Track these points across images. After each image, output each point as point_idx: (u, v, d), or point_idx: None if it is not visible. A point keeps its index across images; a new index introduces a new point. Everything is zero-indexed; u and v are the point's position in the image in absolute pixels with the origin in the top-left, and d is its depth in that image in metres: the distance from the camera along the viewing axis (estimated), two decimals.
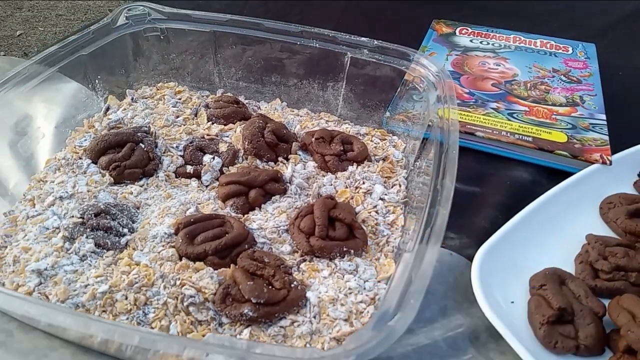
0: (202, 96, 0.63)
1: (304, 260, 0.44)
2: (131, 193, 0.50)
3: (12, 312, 0.41)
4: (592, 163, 0.55)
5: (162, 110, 0.59)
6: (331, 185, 0.51)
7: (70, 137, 0.56)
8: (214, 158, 0.52)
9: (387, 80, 0.59)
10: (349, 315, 0.40)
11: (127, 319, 0.39)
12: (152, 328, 0.38)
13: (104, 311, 0.39)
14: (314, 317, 0.40)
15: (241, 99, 0.63)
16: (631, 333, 0.37)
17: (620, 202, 0.51)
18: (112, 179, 0.50)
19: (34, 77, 0.52)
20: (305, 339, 0.39)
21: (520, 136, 0.58)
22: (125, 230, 0.45)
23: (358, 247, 0.45)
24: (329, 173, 0.53)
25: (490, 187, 0.55)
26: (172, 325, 0.39)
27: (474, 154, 0.59)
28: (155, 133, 0.55)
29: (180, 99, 0.62)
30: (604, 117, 0.61)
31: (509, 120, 0.60)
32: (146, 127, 0.55)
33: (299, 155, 0.55)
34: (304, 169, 0.53)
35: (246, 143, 0.53)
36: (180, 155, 0.53)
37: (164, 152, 0.53)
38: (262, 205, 0.49)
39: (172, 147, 0.54)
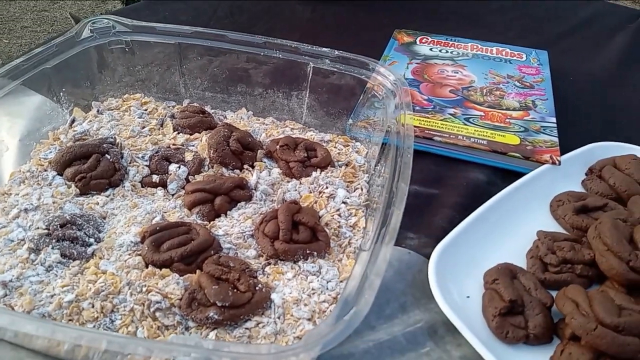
0: (168, 107, 0.64)
1: (269, 264, 0.46)
2: (97, 203, 0.50)
3: None
4: (543, 163, 0.58)
5: (128, 121, 0.60)
6: (295, 190, 0.53)
7: (35, 149, 0.56)
8: (179, 167, 0.53)
9: (349, 89, 0.61)
10: (312, 315, 0.41)
11: (94, 326, 0.40)
12: None
13: (70, 320, 0.40)
14: (279, 317, 0.41)
15: (207, 108, 0.64)
16: (574, 320, 0.39)
17: (568, 200, 0.54)
18: (78, 190, 0.51)
19: None
20: (270, 339, 0.40)
21: (476, 140, 0.61)
22: (92, 240, 0.46)
23: (321, 249, 0.46)
24: (293, 179, 0.54)
25: (447, 188, 0.57)
26: (139, 331, 0.40)
27: (433, 158, 0.61)
28: (121, 144, 0.56)
29: (146, 109, 0.63)
30: (554, 120, 0.65)
31: (465, 124, 0.63)
32: (112, 138, 0.56)
33: (264, 162, 0.56)
34: (269, 175, 0.54)
35: (212, 152, 0.54)
36: (146, 165, 0.54)
37: (129, 163, 0.54)
38: (228, 212, 0.50)
39: (138, 157, 0.55)
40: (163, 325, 0.40)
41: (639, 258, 0.43)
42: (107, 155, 0.53)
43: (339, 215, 0.50)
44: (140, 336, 0.39)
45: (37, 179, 0.52)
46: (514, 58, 0.79)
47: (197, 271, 0.43)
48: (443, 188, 0.57)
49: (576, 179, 0.58)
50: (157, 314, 0.40)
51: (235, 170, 0.55)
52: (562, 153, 0.59)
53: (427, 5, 0.98)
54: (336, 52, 0.60)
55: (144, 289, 0.41)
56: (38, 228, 0.46)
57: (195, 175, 0.54)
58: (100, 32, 0.62)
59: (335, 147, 0.60)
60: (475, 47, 0.81)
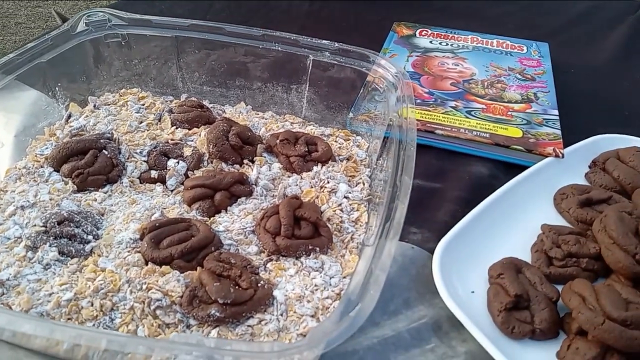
0: (166, 101, 0.64)
1: (271, 260, 0.45)
2: (95, 200, 0.49)
3: None
4: (546, 156, 0.57)
5: (125, 116, 0.59)
6: (296, 185, 0.52)
7: (31, 145, 0.55)
8: (178, 162, 0.52)
9: (349, 82, 0.60)
10: (316, 311, 0.41)
11: (94, 325, 0.39)
12: None
13: (69, 319, 0.39)
14: (281, 314, 0.40)
15: (205, 103, 0.63)
16: (581, 315, 0.39)
17: (572, 193, 0.53)
18: (75, 186, 0.50)
19: None
20: (273, 336, 0.39)
21: (478, 133, 0.60)
22: (90, 237, 0.45)
23: (323, 244, 0.46)
24: (294, 174, 0.54)
25: (450, 182, 0.57)
26: (140, 329, 0.39)
27: (435, 152, 0.60)
28: (119, 139, 0.55)
29: (143, 104, 0.62)
30: (556, 112, 0.64)
31: (467, 117, 0.62)
32: (109, 133, 0.55)
33: (264, 157, 0.55)
34: (270, 170, 0.54)
35: (211, 146, 0.53)
36: (144, 161, 0.53)
37: (127, 158, 0.53)
38: (228, 208, 0.49)
39: (136, 153, 0.54)
40: (164, 324, 0.39)
41: None
42: (104, 150, 0.52)
43: (341, 210, 0.50)
44: (141, 335, 0.39)
45: (33, 175, 0.51)
46: (515, 50, 0.78)
47: (198, 268, 0.43)
48: (445, 182, 0.57)
49: (580, 172, 0.57)
50: (158, 312, 0.40)
51: (235, 165, 0.54)
52: (565, 146, 0.59)
53: None
54: (336, 44, 0.59)
55: (144, 287, 0.41)
56: (35, 225, 0.45)
57: (195, 171, 0.53)
58: (95, 26, 0.61)
59: (335, 141, 0.59)
60: (475, 39, 0.80)
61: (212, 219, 0.48)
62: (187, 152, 0.54)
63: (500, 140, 0.59)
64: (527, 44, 0.80)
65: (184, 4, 0.92)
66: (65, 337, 0.32)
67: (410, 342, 0.42)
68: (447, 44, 0.79)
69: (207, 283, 0.40)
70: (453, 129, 0.61)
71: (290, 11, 0.92)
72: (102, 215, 0.48)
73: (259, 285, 0.41)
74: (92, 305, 0.40)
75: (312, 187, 0.52)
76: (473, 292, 0.45)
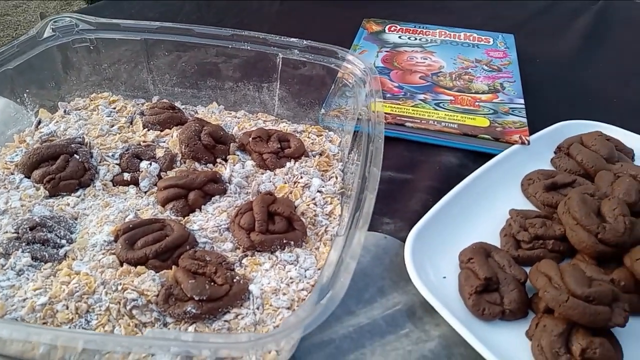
0: (137, 104, 0.63)
1: (246, 256, 0.46)
2: (68, 204, 0.49)
3: None
4: (513, 144, 0.59)
5: (96, 120, 0.59)
6: (270, 182, 0.53)
7: (1, 153, 0.55)
8: (151, 164, 0.52)
9: (320, 78, 0.61)
10: (292, 304, 0.41)
11: (70, 328, 0.39)
12: None
13: (44, 322, 0.39)
14: (257, 308, 0.41)
15: (177, 104, 0.63)
16: (547, 293, 0.40)
17: (538, 178, 0.55)
18: (47, 192, 0.50)
19: None
20: (250, 329, 0.40)
21: (447, 124, 0.61)
22: (64, 241, 0.45)
23: (298, 238, 0.46)
24: (267, 170, 0.54)
25: (421, 173, 0.58)
26: (117, 330, 0.39)
27: (405, 144, 0.62)
28: (90, 143, 0.55)
29: (114, 108, 0.62)
30: (522, 101, 0.66)
31: (436, 109, 0.64)
32: (80, 138, 0.54)
33: (237, 155, 0.56)
34: (243, 168, 0.54)
35: (183, 147, 0.54)
36: (117, 164, 0.53)
37: (99, 162, 0.53)
38: (203, 207, 0.50)
39: (108, 156, 0.54)
40: (140, 323, 0.40)
41: (607, 230, 0.44)
42: (75, 155, 0.52)
43: (315, 204, 0.51)
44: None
45: (3, 182, 0.50)
46: (482, 42, 0.80)
47: (173, 267, 0.43)
48: (416, 173, 0.58)
49: (545, 158, 0.59)
50: (134, 311, 0.40)
51: (208, 164, 0.54)
52: (531, 133, 0.60)
53: None
54: (305, 41, 0.60)
55: (120, 288, 0.41)
56: (7, 232, 0.45)
57: (168, 172, 0.53)
58: (62, 31, 0.61)
59: (308, 137, 0.60)
60: (443, 33, 0.82)
61: (186, 218, 0.49)
62: (160, 153, 0.54)
63: (468, 130, 0.61)
64: (493, 36, 0.82)
65: (154, 7, 0.92)
66: (42, 340, 0.32)
67: (386, 329, 0.43)
68: (416, 39, 0.80)
69: (183, 281, 0.41)
70: (422, 121, 0.62)
71: (260, 11, 0.93)
72: (76, 219, 0.48)
73: (235, 280, 0.42)
74: (67, 308, 0.40)
75: (285, 183, 0.53)
76: (445, 277, 0.46)
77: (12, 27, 2.16)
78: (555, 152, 0.60)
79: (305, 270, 0.44)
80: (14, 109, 0.58)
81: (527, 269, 0.45)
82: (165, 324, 0.40)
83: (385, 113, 0.62)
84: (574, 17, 0.93)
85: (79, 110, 0.61)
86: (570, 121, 0.62)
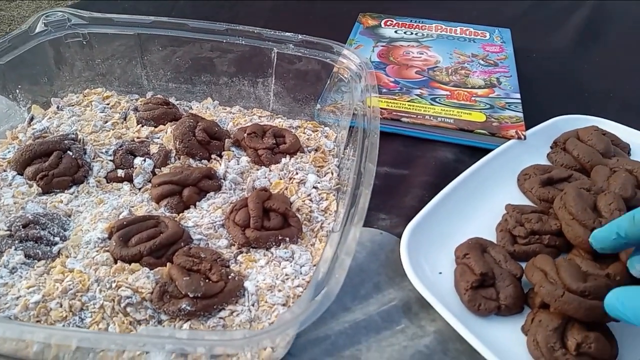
0: (131, 100, 0.63)
1: (241, 252, 0.45)
2: (61, 202, 0.49)
3: None
4: (509, 139, 0.59)
5: (90, 116, 0.59)
6: (265, 178, 0.52)
7: None
8: (145, 160, 0.52)
9: (315, 73, 0.61)
10: (287, 300, 0.41)
11: (63, 326, 0.39)
12: None
13: (38, 321, 0.39)
14: (253, 305, 0.41)
15: (172, 100, 0.63)
16: (542, 288, 0.40)
17: (534, 173, 0.55)
18: (40, 189, 0.49)
19: None
20: (245, 326, 0.40)
21: (443, 119, 0.61)
22: (57, 239, 0.45)
23: (293, 234, 0.46)
24: (262, 167, 0.54)
25: (417, 168, 0.58)
26: (111, 327, 0.39)
27: (401, 139, 0.61)
28: (83, 140, 0.54)
29: (108, 104, 0.61)
30: (518, 96, 0.66)
31: (432, 104, 0.64)
32: (73, 134, 0.54)
33: (232, 151, 0.56)
34: (238, 164, 0.54)
35: (177, 143, 0.53)
36: (110, 160, 0.53)
37: (93, 158, 0.53)
38: (197, 203, 0.50)
39: (102, 153, 0.53)
40: (135, 320, 0.39)
41: (602, 225, 0.44)
42: (69, 151, 0.52)
43: (310, 200, 0.50)
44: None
45: None
46: (478, 37, 0.79)
47: (168, 264, 0.43)
48: (412, 168, 0.58)
49: (542, 153, 0.59)
50: (128, 309, 0.40)
51: (202, 160, 0.54)
52: (527, 128, 0.60)
53: None
54: (300, 36, 0.59)
55: (114, 285, 0.41)
56: None
57: (162, 168, 0.53)
58: (55, 26, 0.60)
59: (304, 133, 0.60)
60: (439, 27, 0.82)
61: (181, 215, 0.48)
62: (154, 149, 0.54)
63: (464, 125, 0.60)
64: (490, 30, 0.81)
65: (147, 2, 0.91)
66: (36, 338, 0.32)
67: (381, 325, 0.42)
68: (412, 33, 0.80)
69: (177, 278, 0.40)
70: (418, 116, 0.62)
71: (255, 5, 0.92)
72: (69, 216, 0.48)
73: (230, 277, 0.42)
74: (61, 306, 0.39)
75: (280, 179, 0.52)
76: (440, 273, 0.46)
77: (5, 23, 2.14)
78: (551, 147, 0.60)
79: (301, 267, 0.44)
80: (6, 105, 0.58)
81: (523, 264, 0.45)
82: (159, 322, 0.40)
83: (381, 108, 0.61)
84: (571, 11, 0.93)
85: (72, 106, 0.61)
86: (567, 116, 0.62)
